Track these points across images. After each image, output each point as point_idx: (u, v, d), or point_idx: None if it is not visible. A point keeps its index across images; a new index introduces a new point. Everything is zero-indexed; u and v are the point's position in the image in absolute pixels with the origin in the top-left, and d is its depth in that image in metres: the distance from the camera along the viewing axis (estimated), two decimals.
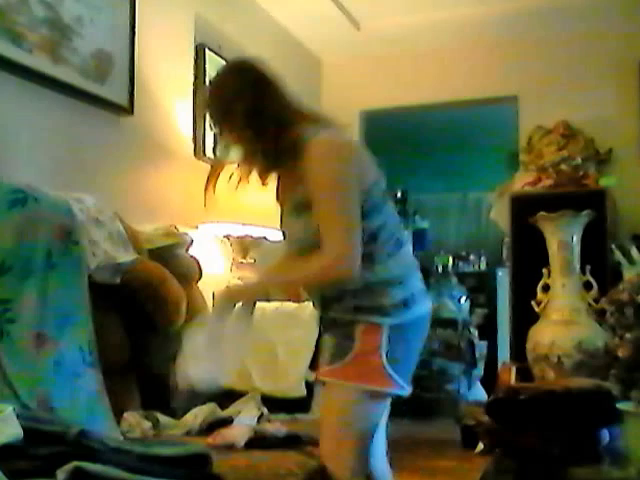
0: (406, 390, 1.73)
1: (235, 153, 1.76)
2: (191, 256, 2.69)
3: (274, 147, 1.67)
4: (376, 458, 1.94)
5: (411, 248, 1.86)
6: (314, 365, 2.63)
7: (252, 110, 1.68)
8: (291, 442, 2.00)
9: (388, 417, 1.98)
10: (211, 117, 1.78)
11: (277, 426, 2.12)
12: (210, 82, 1.84)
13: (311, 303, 1.92)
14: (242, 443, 1.93)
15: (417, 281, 1.78)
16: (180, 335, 2.35)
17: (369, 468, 1.88)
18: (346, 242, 1.61)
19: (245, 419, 2.10)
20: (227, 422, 2.10)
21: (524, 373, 3.48)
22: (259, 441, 1.97)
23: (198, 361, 1.63)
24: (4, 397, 1.47)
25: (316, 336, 2.52)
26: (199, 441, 1.92)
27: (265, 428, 2.08)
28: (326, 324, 1.82)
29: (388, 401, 1.79)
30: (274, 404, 2.35)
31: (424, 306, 1.78)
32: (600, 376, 2.07)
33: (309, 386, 2.58)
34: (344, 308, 1.72)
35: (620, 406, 1.61)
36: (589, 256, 3.37)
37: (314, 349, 2.66)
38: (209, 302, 2.97)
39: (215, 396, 2.44)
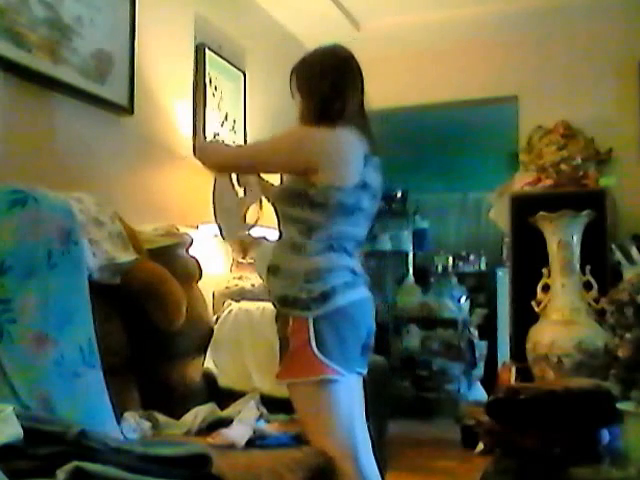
0: (345, 375, 1.88)
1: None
2: (191, 256, 2.69)
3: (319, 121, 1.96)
4: (363, 457, 1.97)
5: (349, 260, 1.99)
6: None
7: (329, 92, 1.99)
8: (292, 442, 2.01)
9: (387, 417, 2.00)
10: (296, 81, 2.10)
11: (276, 427, 2.12)
12: (308, 55, 2.13)
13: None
14: (242, 443, 1.93)
15: (339, 278, 1.92)
16: (180, 335, 2.36)
17: (358, 468, 1.93)
18: (230, 155, 2.18)
19: (245, 419, 2.09)
20: (227, 422, 2.10)
21: (524, 373, 3.48)
22: (259, 441, 1.97)
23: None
24: (4, 397, 1.47)
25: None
26: (199, 441, 1.92)
27: (265, 428, 2.08)
28: (276, 319, 2.02)
29: (340, 386, 1.90)
30: (274, 404, 2.35)
31: (348, 297, 1.91)
32: (600, 376, 2.07)
33: None
34: (276, 295, 1.95)
35: (620, 406, 1.62)
36: (589, 256, 3.37)
37: None
38: (209, 302, 2.97)
39: (215, 396, 2.44)
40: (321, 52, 2.11)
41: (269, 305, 2.79)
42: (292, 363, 1.90)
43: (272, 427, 2.12)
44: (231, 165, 2.16)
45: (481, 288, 6.83)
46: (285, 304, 1.92)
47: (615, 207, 3.96)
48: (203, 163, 2.21)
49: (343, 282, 1.92)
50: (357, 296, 1.95)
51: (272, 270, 1.98)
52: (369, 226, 2.08)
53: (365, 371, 2.04)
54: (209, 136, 3.34)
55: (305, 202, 1.92)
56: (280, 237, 2.04)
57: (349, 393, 1.94)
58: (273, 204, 2.08)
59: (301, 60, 2.12)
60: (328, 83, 2.00)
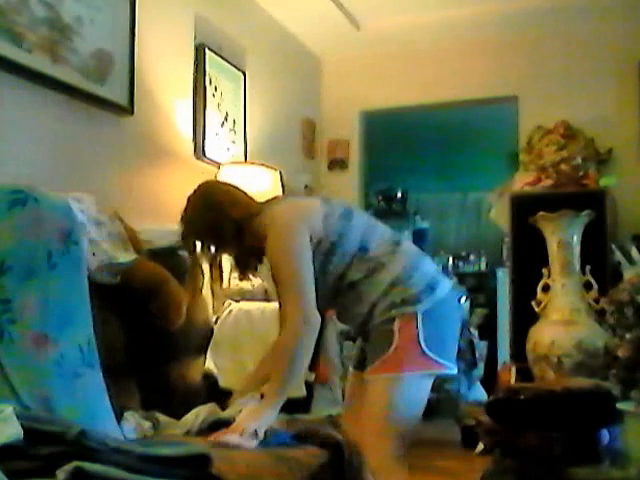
0: (451, 368, 1.91)
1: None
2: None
3: (241, 248, 1.99)
4: None
5: (408, 242, 2.07)
6: (314, 366, 2.63)
7: (215, 236, 2.01)
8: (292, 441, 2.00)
9: None
10: (206, 240, 2.07)
11: (277, 424, 2.11)
12: (182, 217, 2.10)
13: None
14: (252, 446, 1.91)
15: (429, 265, 1.99)
16: (180, 335, 2.36)
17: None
18: (298, 313, 1.85)
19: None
20: (228, 422, 2.10)
21: (524, 373, 3.48)
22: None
23: None
24: (4, 397, 1.47)
25: (315, 337, 2.53)
26: (199, 441, 1.92)
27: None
28: (365, 334, 1.99)
29: (429, 385, 1.95)
30: None
31: (446, 286, 1.95)
32: (600, 376, 2.07)
33: (309, 387, 2.58)
34: (380, 312, 1.90)
35: (620, 406, 1.61)
36: (589, 256, 3.37)
37: (314, 350, 2.66)
38: (209, 302, 2.97)
39: (215, 396, 2.44)
40: (187, 215, 2.09)
41: (269, 305, 2.80)
42: (396, 358, 1.87)
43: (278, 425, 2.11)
44: (309, 305, 1.88)
45: (481, 288, 6.83)
46: (394, 308, 1.89)
47: (615, 207, 3.96)
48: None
49: (434, 271, 1.98)
50: (449, 285, 1.98)
51: (370, 310, 1.93)
52: (379, 222, 2.10)
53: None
54: None
55: (331, 253, 1.92)
56: (356, 294, 1.95)
57: (429, 387, 1.96)
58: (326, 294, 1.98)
59: (187, 228, 2.09)
60: (212, 214, 2.01)
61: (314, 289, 1.87)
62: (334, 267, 1.92)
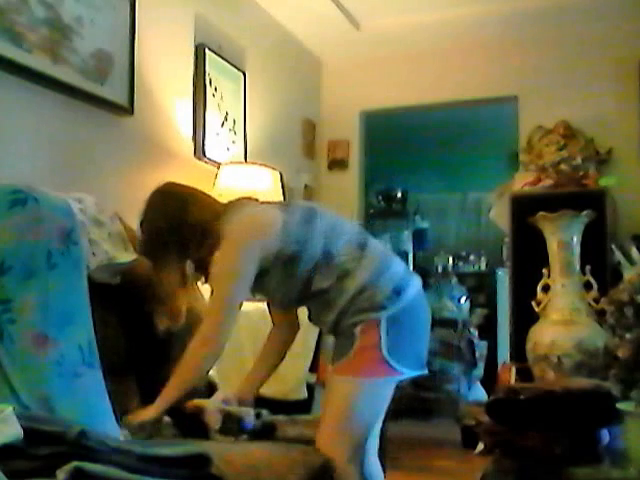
0: (406, 374, 1.88)
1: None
2: None
3: (204, 250, 1.89)
4: (368, 457, 1.97)
5: (375, 242, 1.99)
6: (314, 367, 2.63)
7: (180, 237, 1.91)
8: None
9: (387, 417, 2.00)
10: (163, 256, 1.96)
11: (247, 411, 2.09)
12: (141, 221, 2.01)
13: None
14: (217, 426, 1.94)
15: (397, 265, 1.94)
16: (180, 335, 2.35)
17: (362, 467, 1.93)
18: (214, 328, 1.89)
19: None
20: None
21: (524, 373, 3.48)
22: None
23: None
24: (4, 397, 1.47)
25: (316, 338, 2.53)
26: (199, 441, 1.92)
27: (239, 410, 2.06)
28: (335, 333, 1.96)
29: (390, 390, 1.92)
30: (275, 406, 2.34)
31: (413, 288, 1.92)
32: (600, 376, 2.07)
33: (310, 388, 2.58)
34: (347, 318, 1.87)
35: (620, 406, 1.61)
36: (589, 256, 3.37)
37: (314, 351, 2.66)
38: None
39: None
40: (144, 223, 2.02)
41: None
42: (354, 362, 1.86)
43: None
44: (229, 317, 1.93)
45: (481, 288, 6.83)
46: (359, 314, 1.86)
47: (615, 207, 3.96)
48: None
49: (403, 270, 1.94)
50: (417, 286, 1.94)
51: (338, 316, 1.90)
52: (345, 221, 2.04)
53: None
54: None
55: (294, 261, 1.88)
56: (324, 300, 1.92)
57: (391, 392, 1.95)
58: (295, 303, 2.01)
59: (148, 232, 2.01)
60: (177, 213, 1.94)
61: (239, 309, 1.91)
62: (300, 272, 1.88)
